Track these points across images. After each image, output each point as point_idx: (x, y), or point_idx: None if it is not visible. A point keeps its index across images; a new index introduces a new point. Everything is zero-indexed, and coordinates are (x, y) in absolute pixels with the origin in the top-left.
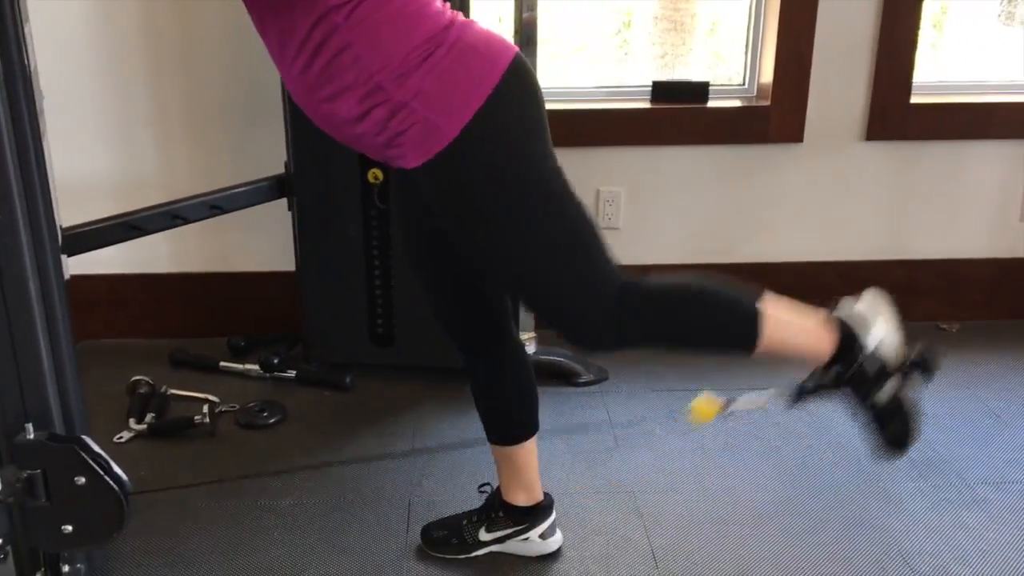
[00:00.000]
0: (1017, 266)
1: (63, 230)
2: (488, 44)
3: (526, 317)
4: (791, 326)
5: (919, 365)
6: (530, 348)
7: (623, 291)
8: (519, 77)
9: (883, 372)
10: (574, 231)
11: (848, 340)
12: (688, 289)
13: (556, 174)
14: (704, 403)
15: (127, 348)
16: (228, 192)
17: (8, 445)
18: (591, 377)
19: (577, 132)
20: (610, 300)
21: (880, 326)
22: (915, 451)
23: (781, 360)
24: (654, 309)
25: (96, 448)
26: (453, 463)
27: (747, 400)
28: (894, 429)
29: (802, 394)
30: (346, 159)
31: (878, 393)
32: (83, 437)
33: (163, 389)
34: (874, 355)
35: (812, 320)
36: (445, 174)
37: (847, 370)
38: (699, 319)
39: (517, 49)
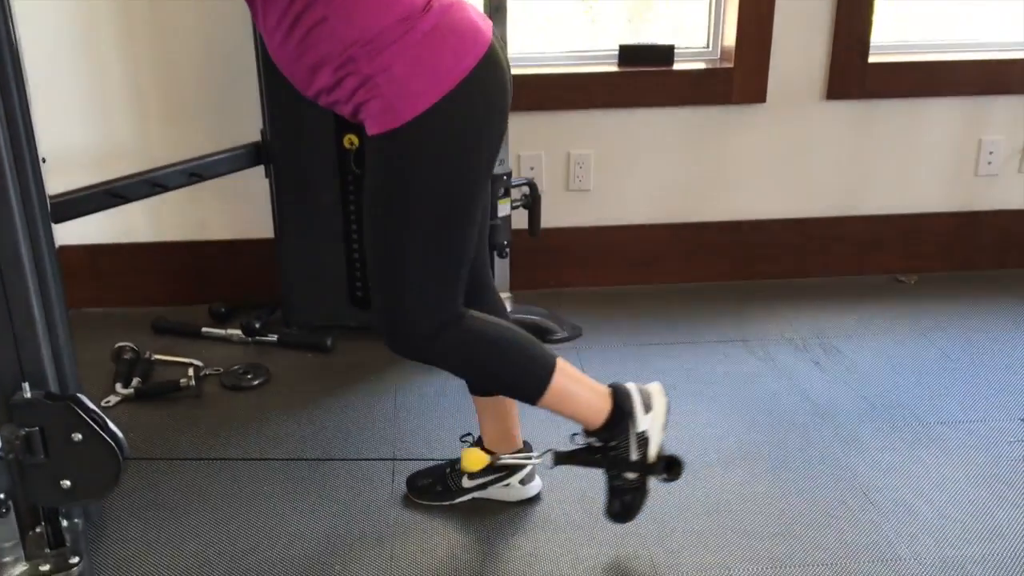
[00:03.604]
0: (972, 219)
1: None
2: (461, 37)
3: (502, 278)
4: (571, 396)
5: (667, 466)
6: (506, 307)
7: (454, 320)
8: (483, 76)
9: (639, 461)
10: (452, 253)
11: (619, 418)
12: (498, 343)
13: (472, 198)
14: (474, 453)
15: (109, 317)
16: (206, 160)
17: (6, 404)
18: (565, 334)
19: (547, 96)
20: (441, 321)
21: (651, 418)
22: (874, 395)
23: (559, 414)
24: (467, 347)
25: (91, 405)
26: (435, 415)
27: (514, 458)
28: (623, 505)
29: (563, 460)
30: (321, 126)
31: (626, 473)
32: (78, 395)
33: (147, 355)
34: (640, 439)
35: (593, 393)
36: (386, 149)
37: (609, 442)
38: (496, 371)
39: (490, 40)
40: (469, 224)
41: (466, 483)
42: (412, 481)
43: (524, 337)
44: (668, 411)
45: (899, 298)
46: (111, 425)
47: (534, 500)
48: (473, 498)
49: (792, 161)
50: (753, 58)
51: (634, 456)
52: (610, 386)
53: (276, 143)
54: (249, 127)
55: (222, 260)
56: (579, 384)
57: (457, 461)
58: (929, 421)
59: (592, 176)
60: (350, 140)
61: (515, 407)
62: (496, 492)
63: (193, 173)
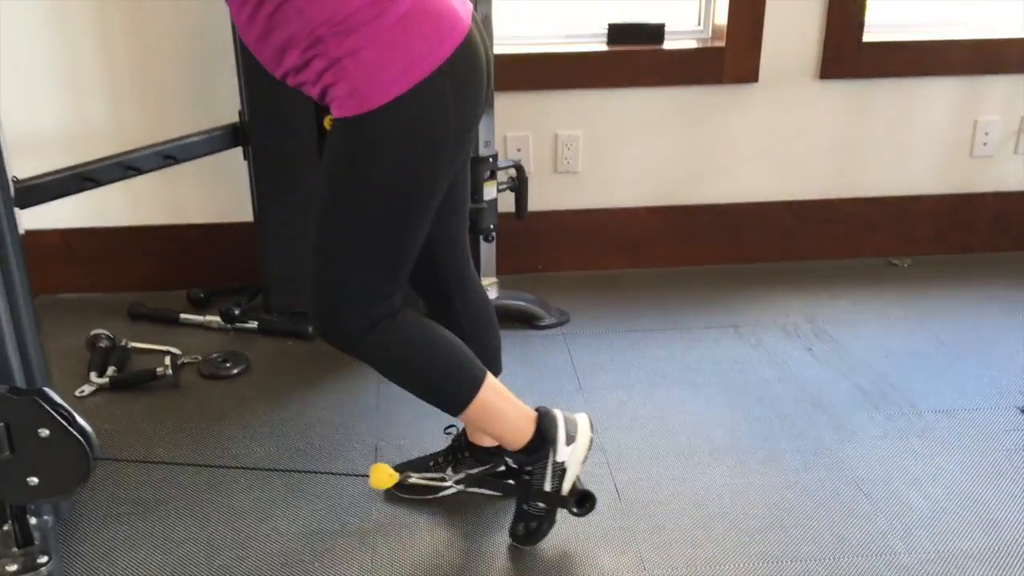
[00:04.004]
0: (967, 201)
1: (14, 183)
2: (437, 24)
3: (488, 262)
4: (495, 413)
5: (579, 500)
6: (492, 293)
7: (386, 317)
8: (457, 67)
9: (551, 492)
10: (398, 248)
11: (539, 445)
12: (432, 344)
13: (428, 196)
14: (381, 471)
15: (84, 303)
16: (182, 142)
17: None
18: (553, 320)
19: (534, 76)
20: (377, 315)
21: (572, 450)
22: (868, 383)
23: (481, 430)
24: (396, 346)
25: (59, 400)
26: (419, 407)
27: (423, 478)
28: (528, 531)
29: (474, 483)
30: (301, 106)
31: (537, 501)
32: (45, 389)
33: (123, 342)
34: (556, 469)
35: (519, 415)
36: (348, 134)
37: (525, 467)
38: (426, 372)
39: (467, 28)
40: (422, 220)
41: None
42: None
43: (457, 345)
44: (591, 447)
45: (893, 282)
46: (80, 420)
47: None
48: (458, 491)
49: (785, 142)
50: (745, 37)
51: (548, 487)
52: (536, 410)
53: (254, 124)
54: (227, 108)
55: (201, 244)
56: (506, 402)
57: (440, 453)
58: (923, 409)
59: (581, 158)
60: (330, 121)
61: None
62: None
63: (168, 155)
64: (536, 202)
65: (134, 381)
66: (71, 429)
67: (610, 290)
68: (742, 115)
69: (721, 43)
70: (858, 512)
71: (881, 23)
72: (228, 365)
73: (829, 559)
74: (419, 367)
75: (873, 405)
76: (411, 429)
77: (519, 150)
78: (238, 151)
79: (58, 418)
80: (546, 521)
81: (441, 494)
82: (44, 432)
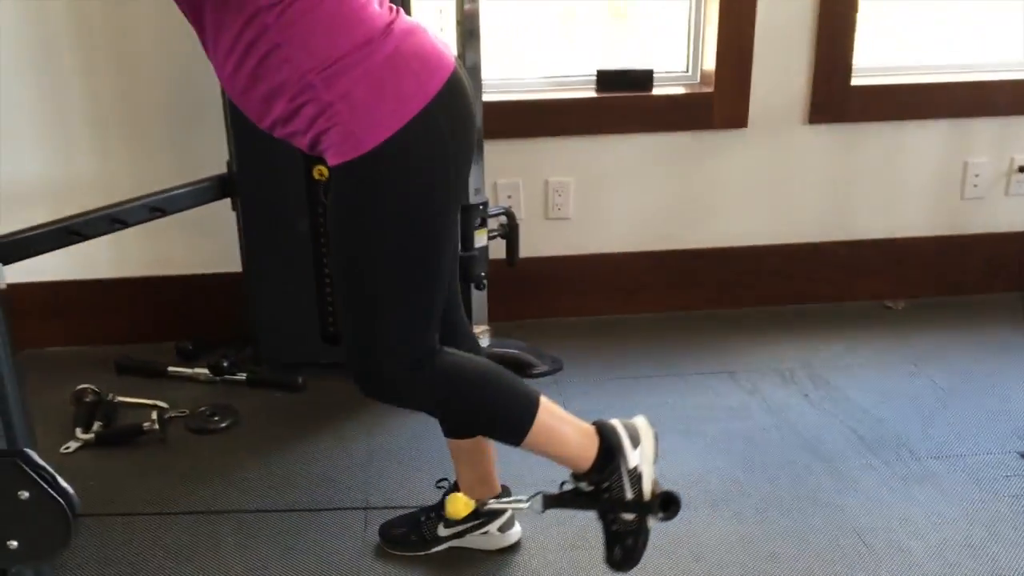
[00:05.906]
0: (958, 243)
1: None
2: (425, 61)
3: (479, 310)
4: (557, 434)
5: (664, 503)
6: (484, 341)
7: (427, 359)
8: (448, 101)
9: (635, 499)
10: (424, 288)
11: (608, 457)
12: (477, 379)
13: (443, 228)
14: (459, 500)
15: (71, 356)
16: (169, 193)
17: None
18: (546, 368)
19: (524, 123)
20: (416, 359)
21: (640, 453)
22: (865, 429)
23: (545, 456)
24: (446, 384)
25: (39, 461)
26: (410, 460)
27: (501, 503)
28: (624, 550)
29: (553, 503)
30: (290, 156)
31: (622, 515)
32: (26, 450)
33: (110, 397)
34: (632, 476)
35: (579, 432)
36: (349, 180)
37: (601, 484)
38: (477, 409)
39: (454, 66)
40: (441, 255)
41: (442, 531)
42: (385, 530)
43: (505, 374)
44: (657, 443)
45: (887, 325)
46: (62, 482)
47: (514, 548)
48: (450, 547)
49: (775, 186)
50: (733, 82)
51: (629, 495)
52: (594, 424)
53: (243, 175)
54: (216, 158)
55: (189, 296)
56: (564, 423)
57: (432, 508)
58: (922, 455)
59: (572, 204)
60: (320, 171)
61: (492, 450)
62: (474, 540)
63: (155, 208)
64: (527, 248)
65: (120, 437)
66: (52, 491)
67: (603, 336)
68: (732, 160)
69: (710, 89)
70: (860, 564)
71: (869, 67)
72: (216, 419)
73: None
74: (471, 403)
75: (871, 451)
76: (403, 483)
77: (510, 197)
78: (227, 201)
79: (39, 480)
80: (640, 535)
81: (433, 550)
82: (24, 494)
